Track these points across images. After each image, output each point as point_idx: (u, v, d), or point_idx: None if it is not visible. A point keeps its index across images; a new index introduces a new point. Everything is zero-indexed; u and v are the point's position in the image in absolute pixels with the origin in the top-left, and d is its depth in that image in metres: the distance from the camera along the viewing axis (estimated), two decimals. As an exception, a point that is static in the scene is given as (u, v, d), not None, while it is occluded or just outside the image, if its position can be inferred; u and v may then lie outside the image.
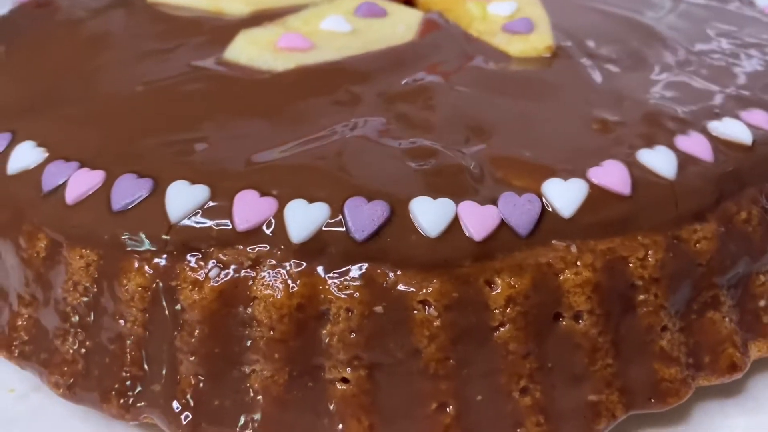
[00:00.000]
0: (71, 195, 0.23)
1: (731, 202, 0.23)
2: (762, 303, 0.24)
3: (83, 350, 0.23)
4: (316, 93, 0.26)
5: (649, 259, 0.22)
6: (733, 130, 0.24)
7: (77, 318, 0.23)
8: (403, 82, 0.27)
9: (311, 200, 0.21)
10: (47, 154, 0.24)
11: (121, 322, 0.22)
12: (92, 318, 0.23)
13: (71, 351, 0.23)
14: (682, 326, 0.23)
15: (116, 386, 0.22)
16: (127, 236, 0.22)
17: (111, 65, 0.29)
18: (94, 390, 0.23)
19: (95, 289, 0.22)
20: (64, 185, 0.23)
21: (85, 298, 0.23)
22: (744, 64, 0.29)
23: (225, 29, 0.31)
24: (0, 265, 0.25)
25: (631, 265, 0.22)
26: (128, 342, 0.22)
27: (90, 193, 0.23)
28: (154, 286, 0.22)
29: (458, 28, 0.31)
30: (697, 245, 0.22)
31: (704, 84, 0.27)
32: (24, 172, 0.24)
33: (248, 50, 0.28)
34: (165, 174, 0.22)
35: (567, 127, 0.25)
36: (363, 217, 0.21)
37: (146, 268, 0.22)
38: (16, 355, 0.24)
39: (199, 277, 0.21)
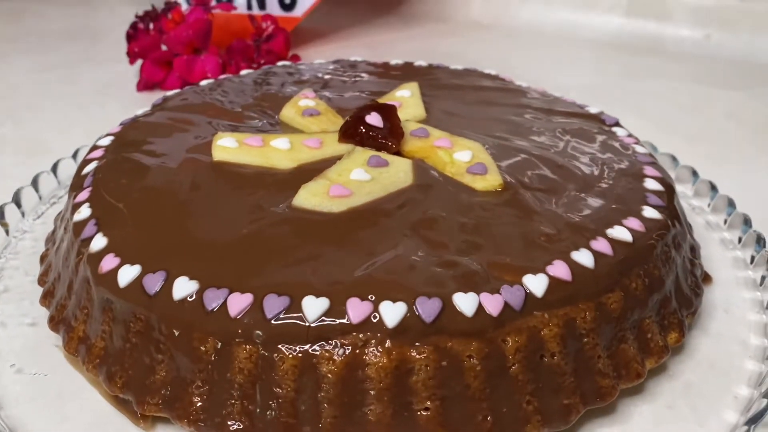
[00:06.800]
0: (234, 311, 0.35)
1: (626, 277, 0.40)
2: (649, 335, 0.40)
3: (248, 411, 0.35)
4: (366, 227, 0.40)
5: (587, 318, 0.37)
6: (621, 234, 0.41)
7: (241, 392, 0.35)
8: (416, 215, 0.42)
9: (394, 301, 0.35)
10: (199, 285, 0.37)
11: (278, 389, 0.35)
12: (256, 390, 0.35)
13: (238, 414, 0.35)
14: (608, 354, 0.38)
15: (280, 432, 0.35)
16: (279, 336, 0.35)
17: (213, 212, 0.42)
18: (261, 437, 0.35)
19: (258, 370, 0.35)
20: (224, 305, 0.36)
21: (249, 377, 0.35)
22: (618, 184, 0.47)
23: (281, 181, 0.45)
24: (173, 362, 0.37)
25: (578, 322, 0.37)
26: (283, 402, 0.35)
27: (247, 309, 0.35)
28: (300, 364, 0.34)
29: (438, 172, 0.46)
30: (611, 306, 0.38)
31: (597, 201, 0.44)
32: (186, 298, 0.36)
33: (311, 200, 0.42)
34: (296, 292, 0.35)
35: (526, 239, 0.40)
36: (428, 309, 0.35)
37: (294, 353, 0.34)
38: (195, 422, 0.36)
39: (332, 355, 0.34)
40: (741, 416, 0.39)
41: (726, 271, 0.51)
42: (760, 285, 0.49)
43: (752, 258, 0.51)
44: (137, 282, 0.38)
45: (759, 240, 0.51)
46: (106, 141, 0.51)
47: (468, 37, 1.04)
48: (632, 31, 1.02)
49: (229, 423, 0.35)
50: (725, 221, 0.56)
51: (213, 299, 0.36)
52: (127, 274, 0.38)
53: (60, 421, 0.39)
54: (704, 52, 0.98)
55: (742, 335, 0.45)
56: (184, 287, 0.37)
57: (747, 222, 0.54)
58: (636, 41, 1.01)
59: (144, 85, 0.81)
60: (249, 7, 0.95)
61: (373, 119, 0.49)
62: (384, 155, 0.47)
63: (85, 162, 0.49)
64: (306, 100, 0.56)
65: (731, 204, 0.56)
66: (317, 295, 0.35)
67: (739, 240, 0.53)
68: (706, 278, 0.49)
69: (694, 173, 0.60)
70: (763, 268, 0.50)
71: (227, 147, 0.47)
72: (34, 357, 0.43)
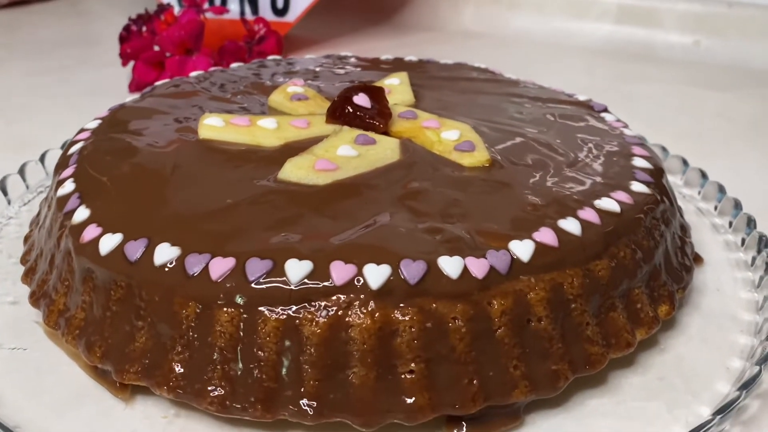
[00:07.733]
0: (215, 274, 0.35)
1: (614, 246, 0.39)
2: (639, 305, 0.40)
3: (228, 376, 0.34)
4: (352, 197, 0.40)
5: (575, 283, 0.37)
6: (609, 204, 0.41)
7: (222, 357, 0.34)
8: (402, 187, 0.41)
9: (378, 264, 0.34)
10: (181, 251, 0.36)
11: (260, 353, 0.34)
12: (237, 354, 0.34)
13: (218, 379, 0.34)
14: (597, 322, 0.38)
15: (261, 397, 0.34)
16: (261, 298, 0.34)
17: (198, 185, 0.41)
18: (242, 403, 0.34)
19: (239, 334, 0.34)
20: (206, 269, 0.35)
21: (230, 341, 0.34)
22: (607, 162, 0.46)
23: (267, 157, 0.44)
24: (154, 328, 0.36)
25: (565, 287, 0.37)
26: (265, 365, 0.34)
27: (228, 272, 0.35)
28: (282, 326, 0.34)
29: (425, 149, 0.46)
30: (599, 273, 0.38)
31: (586, 177, 0.44)
32: (166, 264, 0.36)
33: (296, 172, 0.42)
34: (279, 256, 0.35)
35: (512, 209, 0.40)
36: (412, 271, 0.34)
37: (277, 315, 0.34)
38: (174, 389, 0.35)
39: (315, 317, 0.34)
40: (733, 387, 0.38)
41: (718, 253, 0.51)
42: (752, 265, 0.49)
43: (743, 240, 0.51)
44: (118, 249, 0.37)
45: (750, 222, 0.51)
46: (94, 124, 0.51)
47: (460, 46, 1.05)
48: (623, 37, 1.03)
49: (209, 389, 0.35)
50: (716, 207, 0.55)
51: (194, 264, 0.35)
52: (109, 242, 0.37)
53: (38, 393, 0.38)
54: (694, 58, 0.99)
55: (734, 312, 0.45)
56: (165, 253, 0.36)
57: (738, 206, 0.53)
58: (626, 48, 1.02)
59: (136, 85, 0.81)
60: (242, 12, 0.95)
61: (361, 100, 0.48)
62: (371, 134, 0.47)
63: (72, 143, 0.49)
64: (295, 87, 0.56)
65: (722, 190, 0.56)
66: (300, 258, 0.35)
67: (730, 224, 0.53)
68: (698, 259, 0.49)
69: (685, 162, 0.60)
70: (754, 250, 0.49)
71: (214, 126, 0.47)
72: (14, 333, 0.42)
